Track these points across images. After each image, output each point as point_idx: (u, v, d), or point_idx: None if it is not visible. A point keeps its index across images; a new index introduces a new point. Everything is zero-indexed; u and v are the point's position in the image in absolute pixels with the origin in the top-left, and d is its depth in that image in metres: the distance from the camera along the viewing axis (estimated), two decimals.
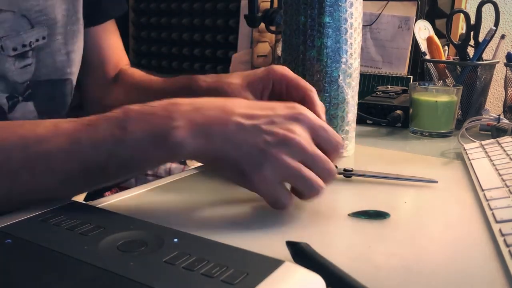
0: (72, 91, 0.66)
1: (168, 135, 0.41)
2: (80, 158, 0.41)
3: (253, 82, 0.56)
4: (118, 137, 0.41)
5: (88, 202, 0.52)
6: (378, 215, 0.47)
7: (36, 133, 0.42)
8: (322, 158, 0.44)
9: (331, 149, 0.45)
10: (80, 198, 0.92)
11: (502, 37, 0.98)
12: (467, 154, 0.66)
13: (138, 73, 0.73)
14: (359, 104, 0.91)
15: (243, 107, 0.44)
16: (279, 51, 1.62)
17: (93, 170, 0.42)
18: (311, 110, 0.47)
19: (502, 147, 0.64)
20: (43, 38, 0.57)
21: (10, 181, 0.41)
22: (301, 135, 0.43)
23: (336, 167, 0.47)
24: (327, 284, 0.32)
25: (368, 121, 0.91)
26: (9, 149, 0.41)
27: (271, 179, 0.43)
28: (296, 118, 0.44)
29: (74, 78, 0.65)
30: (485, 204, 0.49)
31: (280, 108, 0.45)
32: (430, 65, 0.99)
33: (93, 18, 0.68)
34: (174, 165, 1.56)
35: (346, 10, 0.62)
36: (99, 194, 0.57)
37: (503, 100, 0.97)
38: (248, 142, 0.42)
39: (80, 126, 0.42)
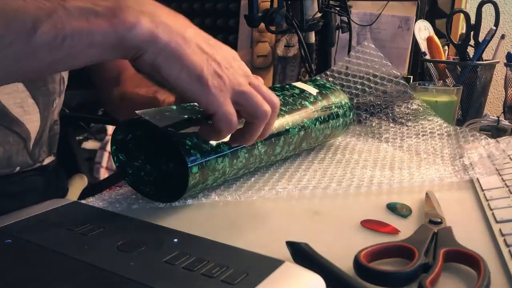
0: (61, 81, 0.68)
1: (120, 11, 0.39)
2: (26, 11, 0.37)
3: None
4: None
5: (89, 199, 0.52)
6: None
7: None
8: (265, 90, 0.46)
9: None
10: (77, 195, 0.92)
11: (502, 37, 0.98)
12: (467, 154, 0.66)
13: (130, 83, 0.76)
14: (359, 104, 0.91)
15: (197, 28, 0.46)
16: (279, 51, 1.62)
17: (28, 24, 0.36)
18: None
19: (502, 147, 0.64)
20: None
21: None
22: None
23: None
24: (327, 284, 0.32)
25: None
26: None
27: (225, 90, 0.43)
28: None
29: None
30: (485, 204, 0.49)
31: None
32: (430, 65, 0.99)
33: None
34: None
35: None
36: (99, 190, 0.57)
37: (503, 100, 0.97)
38: (206, 50, 0.43)
39: None
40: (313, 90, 0.65)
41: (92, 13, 0.38)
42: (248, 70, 0.47)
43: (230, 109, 0.43)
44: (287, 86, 0.64)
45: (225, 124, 0.43)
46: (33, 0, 0.37)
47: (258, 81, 0.47)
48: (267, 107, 0.45)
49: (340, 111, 0.67)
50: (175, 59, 0.41)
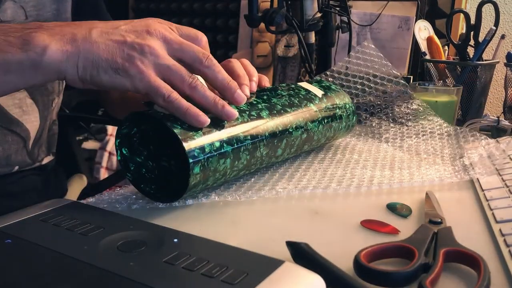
0: (59, 82, 0.69)
1: (29, 37, 0.41)
2: None
3: None
4: None
5: (88, 199, 0.52)
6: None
7: None
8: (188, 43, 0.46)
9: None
10: (76, 195, 0.92)
11: (502, 37, 0.98)
12: (467, 154, 0.66)
13: None
14: (359, 104, 0.92)
15: (102, 23, 0.46)
16: (279, 51, 1.62)
17: None
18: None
19: (502, 147, 0.64)
20: None
21: None
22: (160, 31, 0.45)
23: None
24: (327, 284, 0.32)
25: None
26: None
27: (146, 67, 0.43)
28: (148, 30, 0.45)
29: None
30: (485, 204, 0.49)
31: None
32: (430, 65, 0.99)
33: None
34: None
35: None
36: (99, 190, 0.57)
37: (503, 100, 0.97)
38: (114, 40, 0.43)
39: None
40: (318, 92, 0.65)
41: (5, 44, 0.41)
42: (167, 34, 0.46)
43: (154, 83, 0.43)
44: (293, 86, 0.64)
45: (157, 96, 0.44)
46: None
47: (183, 45, 0.46)
48: (188, 79, 0.45)
49: (344, 114, 0.67)
50: (92, 65, 0.43)
